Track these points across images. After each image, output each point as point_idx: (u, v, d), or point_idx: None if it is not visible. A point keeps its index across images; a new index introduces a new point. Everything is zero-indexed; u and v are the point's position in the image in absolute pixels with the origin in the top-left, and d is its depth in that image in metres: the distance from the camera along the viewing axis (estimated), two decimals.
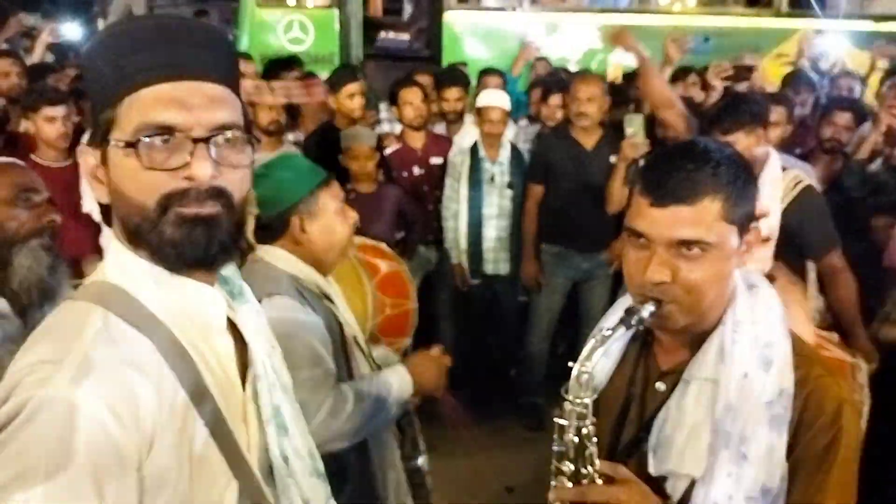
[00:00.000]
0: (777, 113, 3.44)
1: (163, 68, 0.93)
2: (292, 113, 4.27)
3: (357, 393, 1.82)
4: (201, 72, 0.95)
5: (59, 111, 3.38)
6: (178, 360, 0.95)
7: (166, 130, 0.93)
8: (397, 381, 1.92)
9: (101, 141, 0.96)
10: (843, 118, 3.90)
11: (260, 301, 1.67)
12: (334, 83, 4.17)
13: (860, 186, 3.61)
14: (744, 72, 4.25)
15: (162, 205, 0.94)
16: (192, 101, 0.94)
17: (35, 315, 1.69)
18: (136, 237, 0.96)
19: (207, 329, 1.01)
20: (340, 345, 1.90)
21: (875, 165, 3.75)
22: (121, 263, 0.98)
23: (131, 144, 0.93)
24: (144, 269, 0.97)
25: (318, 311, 1.86)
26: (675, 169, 1.16)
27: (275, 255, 1.89)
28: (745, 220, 1.20)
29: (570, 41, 6.58)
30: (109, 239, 1.01)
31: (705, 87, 4.34)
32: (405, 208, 3.95)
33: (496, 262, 4.19)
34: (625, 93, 4.67)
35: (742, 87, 4.56)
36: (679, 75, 4.29)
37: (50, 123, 3.41)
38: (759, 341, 1.21)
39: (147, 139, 0.92)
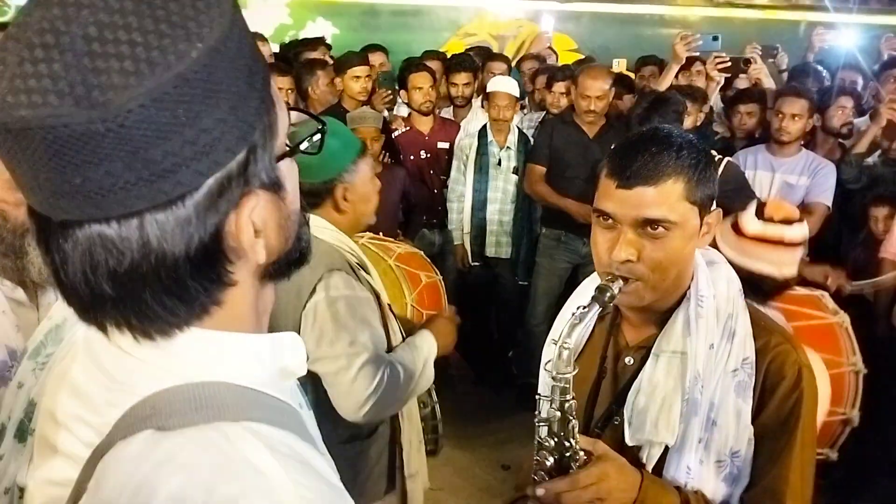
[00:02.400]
0: (799, 106, 3.57)
1: None
2: (301, 94, 4.32)
3: (404, 365, 1.89)
4: None
5: None
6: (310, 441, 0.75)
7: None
8: (428, 348, 2.01)
9: (269, 174, 0.67)
10: (850, 102, 3.99)
11: (319, 277, 1.75)
12: (340, 65, 4.23)
13: (856, 179, 3.66)
14: (741, 64, 4.30)
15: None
16: None
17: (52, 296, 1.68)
18: (279, 263, 0.74)
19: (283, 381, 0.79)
20: (380, 313, 1.94)
21: (873, 158, 3.79)
22: (209, 350, 0.70)
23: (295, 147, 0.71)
24: (241, 344, 0.72)
25: (363, 283, 1.89)
26: (639, 153, 1.22)
27: (316, 226, 1.84)
28: (705, 202, 1.26)
29: (261, 17, 6.62)
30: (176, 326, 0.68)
31: (708, 77, 4.38)
32: (408, 190, 4.02)
33: (498, 245, 4.27)
34: (625, 82, 4.71)
35: (741, 79, 4.62)
36: (686, 65, 4.33)
37: None
38: (722, 314, 1.28)
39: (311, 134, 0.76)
